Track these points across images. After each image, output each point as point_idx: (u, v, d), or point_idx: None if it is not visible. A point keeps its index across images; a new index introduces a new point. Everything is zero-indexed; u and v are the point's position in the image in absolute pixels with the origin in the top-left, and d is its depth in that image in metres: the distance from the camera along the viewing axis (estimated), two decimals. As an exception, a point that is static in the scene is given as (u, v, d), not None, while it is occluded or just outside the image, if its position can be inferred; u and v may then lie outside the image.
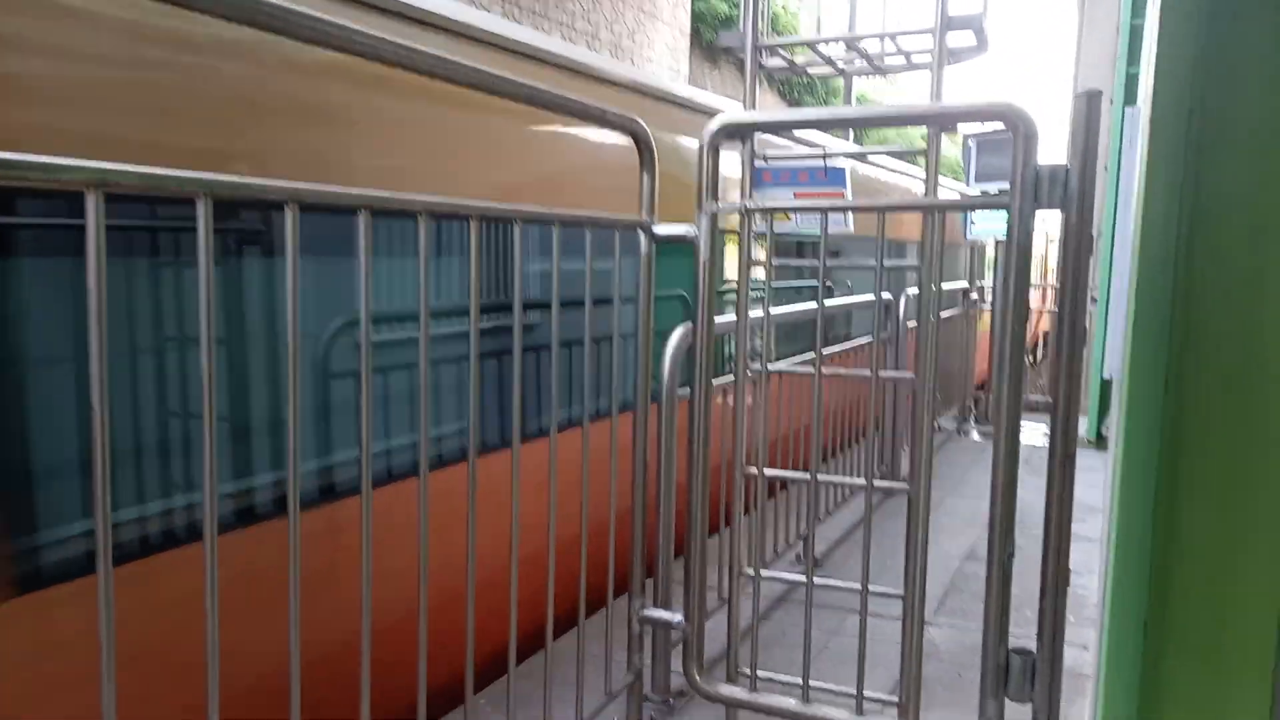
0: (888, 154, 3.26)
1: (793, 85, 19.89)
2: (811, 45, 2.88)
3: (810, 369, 2.53)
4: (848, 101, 10.36)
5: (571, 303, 3.30)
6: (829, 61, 2.95)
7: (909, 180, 8.53)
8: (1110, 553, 1.78)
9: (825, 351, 4.82)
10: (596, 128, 3.47)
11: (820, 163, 2.69)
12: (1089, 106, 2.09)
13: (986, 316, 9.04)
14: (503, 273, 3.29)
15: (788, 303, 5.41)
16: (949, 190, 9.78)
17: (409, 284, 2.90)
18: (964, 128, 4.36)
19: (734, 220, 3.75)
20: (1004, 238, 2.03)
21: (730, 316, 2.85)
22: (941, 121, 2.61)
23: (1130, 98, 6.07)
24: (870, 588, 2.47)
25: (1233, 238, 1.46)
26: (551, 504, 2.31)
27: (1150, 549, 1.57)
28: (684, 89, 4.22)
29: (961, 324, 7.64)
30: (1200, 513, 1.53)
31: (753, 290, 4.16)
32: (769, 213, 2.38)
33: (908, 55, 2.93)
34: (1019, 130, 2.10)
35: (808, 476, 2.57)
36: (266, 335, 2.50)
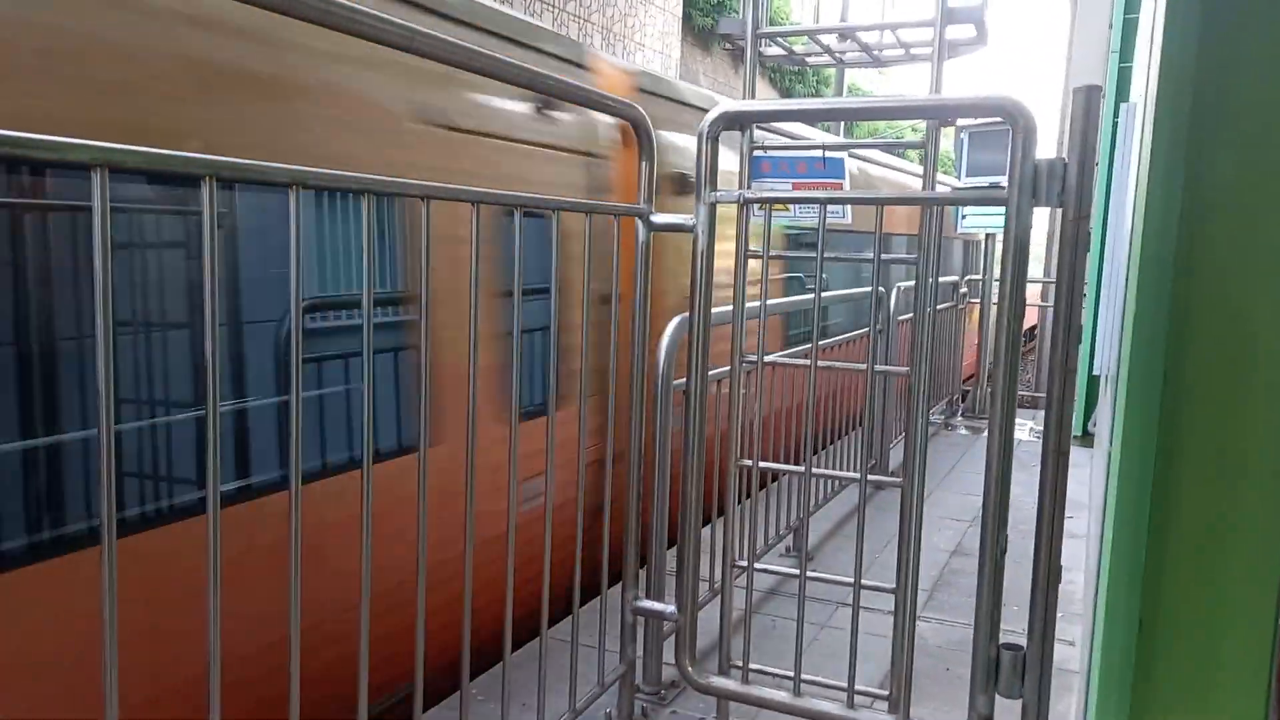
0: (882, 146, 3.25)
1: (783, 74, 19.83)
2: (811, 34, 2.86)
3: (803, 361, 2.53)
4: (839, 92, 10.34)
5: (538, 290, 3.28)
6: (828, 51, 2.94)
7: (897, 174, 8.53)
8: (1105, 549, 1.78)
9: (829, 342, 4.83)
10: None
11: (819, 153, 2.68)
12: (1088, 101, 2.08)
13: (975, 310, 9.07)
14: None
15: (773, 296, 5.40)
16: (940, 184, 9.79)
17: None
18: (957, 121, 4.36)
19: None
20: (995, 231, 2.03)
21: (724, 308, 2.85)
22: (941, 115, 2.60)
23: (1123, 93, 6.07)
24: (862, 581, 2.47)
25: (1233, 235, 1.46)
26: (548, 492, 2.30)
27: (1145, 546, 1.57)
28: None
29: (951, 318, 7.67)
30: (1196, 509, 1.53)
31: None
32: (767, 204, 2.37)
33: (907, 47, 2.91)
34: (1017, 125, 2.09)
35: (802, 470, 2.57)
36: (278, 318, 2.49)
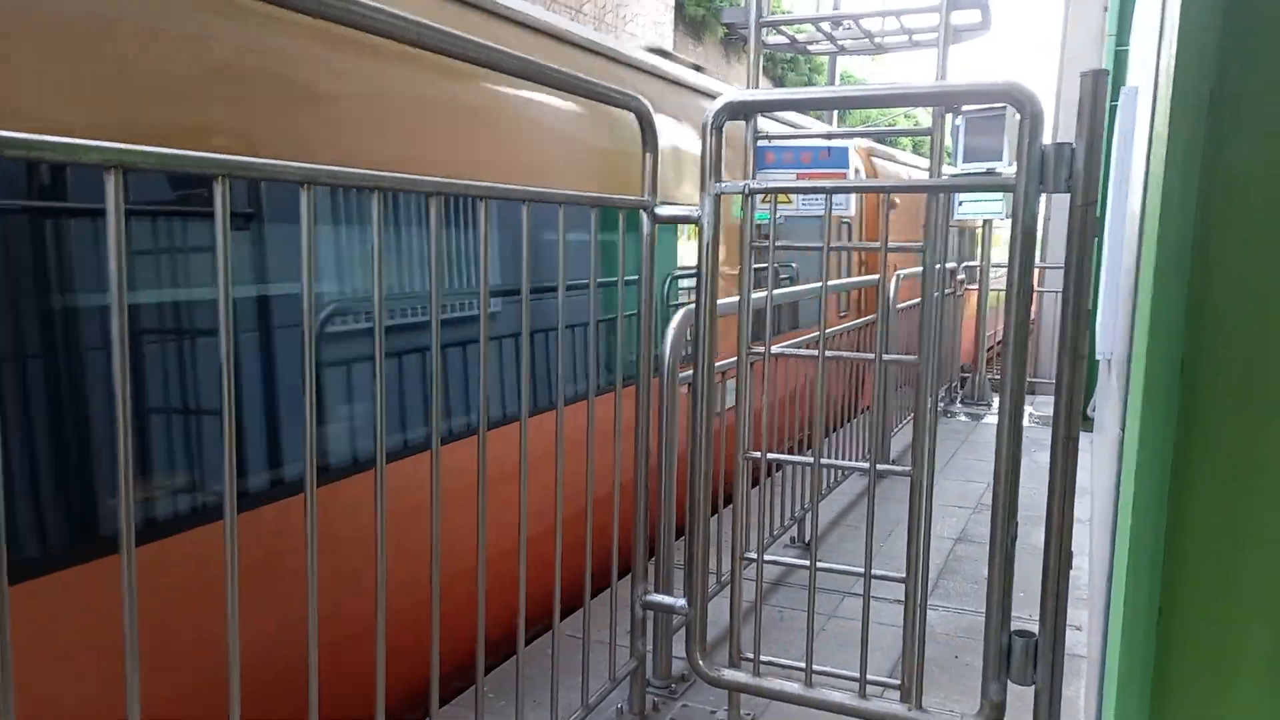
0: (887, 135, 3.23)
1: (776, 61, 19.78)
2: (814, 22, 2.84)
3: (810, 351, 2.52)
4: (832, 80, 10.32)
5: (574, 285, 3.27)
6: (830, 39, 2.92)
7: (893, 164, 8.51)
8: (1122, 538, 1.78)
9: (814, 335, 4.81)
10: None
11: (824, 143, 2.66)
12: (1095, 85, 2.07)
13: (972, 297, 9.06)
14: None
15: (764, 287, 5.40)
16: (920, 170, 9.77)
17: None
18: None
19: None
20: (993, 216, 2.02)
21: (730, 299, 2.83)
22: (947, 101, 2.58)
23: (1120, 76, 6.06)
24: (873, 571, 2.46)
25: (1251, 222, 1.45)
26: (558, 485, 2.29)
27: (1164, 534, 1.56)
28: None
29: (951, 304, 7.66)
30: (1215, 498, 1.52)
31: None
32: (772, 194, 2.35)
33: (910, 34, 2.89)
34: (1024, 110, 2.07)
35: (810, 460, 2.56)
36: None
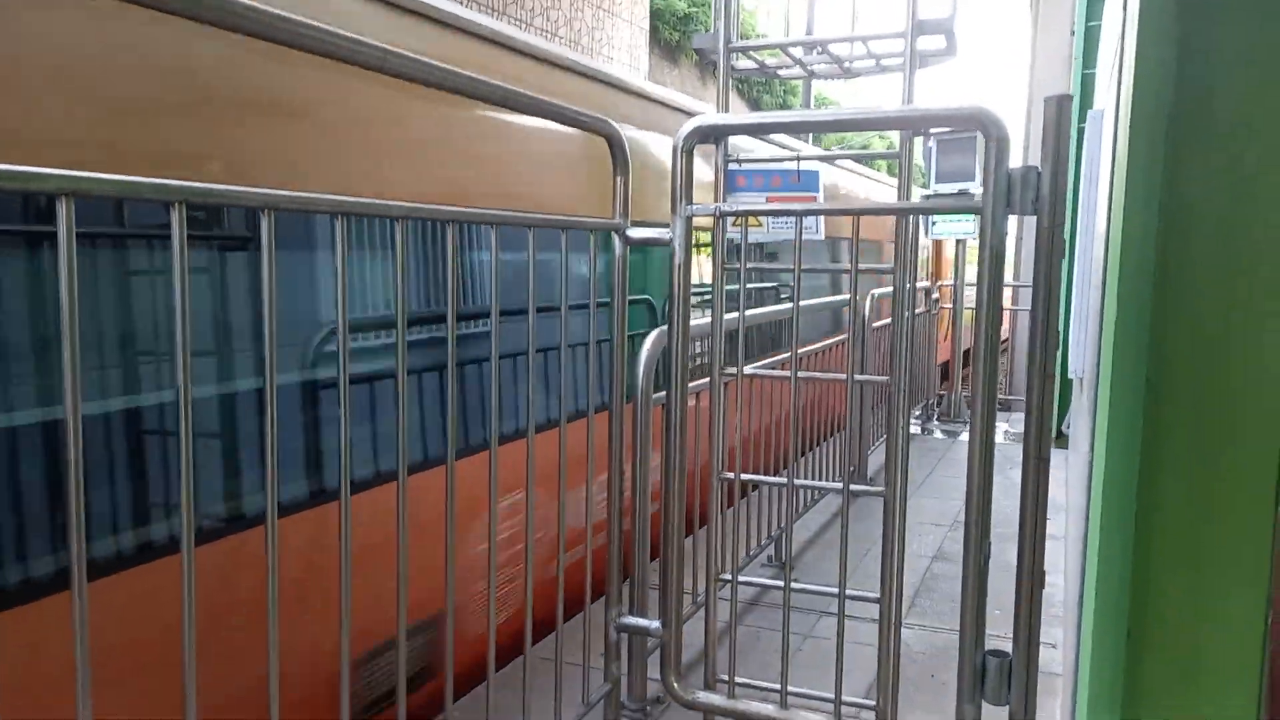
0: (858, 158, 3.26)
1: (751, 84, 19.95)
2: (783, 48, 2.87)
3: (783, 373, 2.53)
4: (807, 103, 10.41)
5: (545, 308, 3.27)
6: (799, 64, 2.95)
7: (864, 181, 8.58)
8: (1091, 556, 1.79)
9: (788, 355, 4.84)
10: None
11: (793, 166, 2.68)
12: (1059, 110, 2.10)
13: (944, 315, 9.14)
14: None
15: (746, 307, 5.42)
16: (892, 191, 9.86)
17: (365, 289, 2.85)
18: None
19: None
20: (964, 237, 2.04)
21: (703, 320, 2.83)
22: (914, 125, 2.61)
23: (1087, 99, 6.15)
24: (847, 591, 2.46)
25: (1212, 242, 1.47)
26: (529, 510, 2.28)
27: (1131, 552, 1.58)
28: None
29: (925, 323, 7.72)
30: (1182, 515, 1.53)
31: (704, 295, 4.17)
32: (742, 217, 2.36)
33: (878, 58, 2.93)
34: (990, 134, 2.10)
35: (784, 481, 2.56)
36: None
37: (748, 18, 20.74)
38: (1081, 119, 5.70)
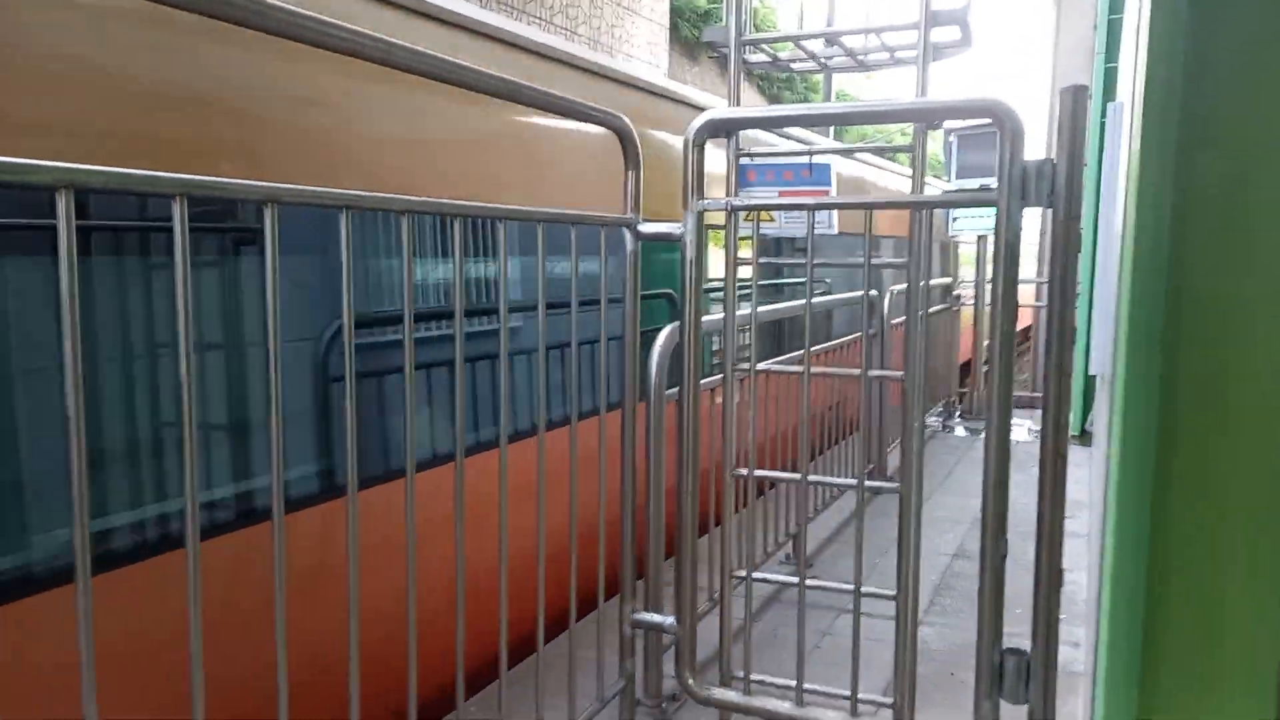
0: (872, 150, 3.23)
1: (772, 81, 19.88)
2: (795, 40, 2.85)
3: (797, 368, 2.51)
4: (827, 98, 10.37)
5: (556, 304, 3.27)
6: (812, 56, 2.92)
7: (887, 176, 8.53)
8: (1107, 553, 1.76)
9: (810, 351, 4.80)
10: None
11: (805, 160, 2.66)
12: (1075, 101, 2.07)
13: (967, 312, 9.06)
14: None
15: (769, 303, 5.39)
16: (929, 186, 9.79)
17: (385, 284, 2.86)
18: (945, 123, 4.35)
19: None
20: (986, 233, 2.02)
21: (716, 315, 2.82)
22: (927, 118, 2.59)
23: (1109, 92, 6.08)
24: (863, 588, 2.45)
25: (1224, 235, 1.45)
26: (540, 505, 2.28)
27: (1147, 547, 1.55)
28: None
29: (945, 320, 7.65)
30: (1197, 511, 1.51)
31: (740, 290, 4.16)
32: (754, 211, 2.35)
33: (892, 51, 2.90)
34: (1005, 127, 2.08)
35: (798, 477, 2.55)
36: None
37: (768, 14, 20.66)
38: (1103, 113, 5.64)
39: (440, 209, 1.78)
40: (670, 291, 4.38)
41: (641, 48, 14.28)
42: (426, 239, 2.97)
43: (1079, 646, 3.62)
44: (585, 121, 2.37)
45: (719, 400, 3.46)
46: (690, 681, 2.50)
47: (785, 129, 5.18)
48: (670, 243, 2.34)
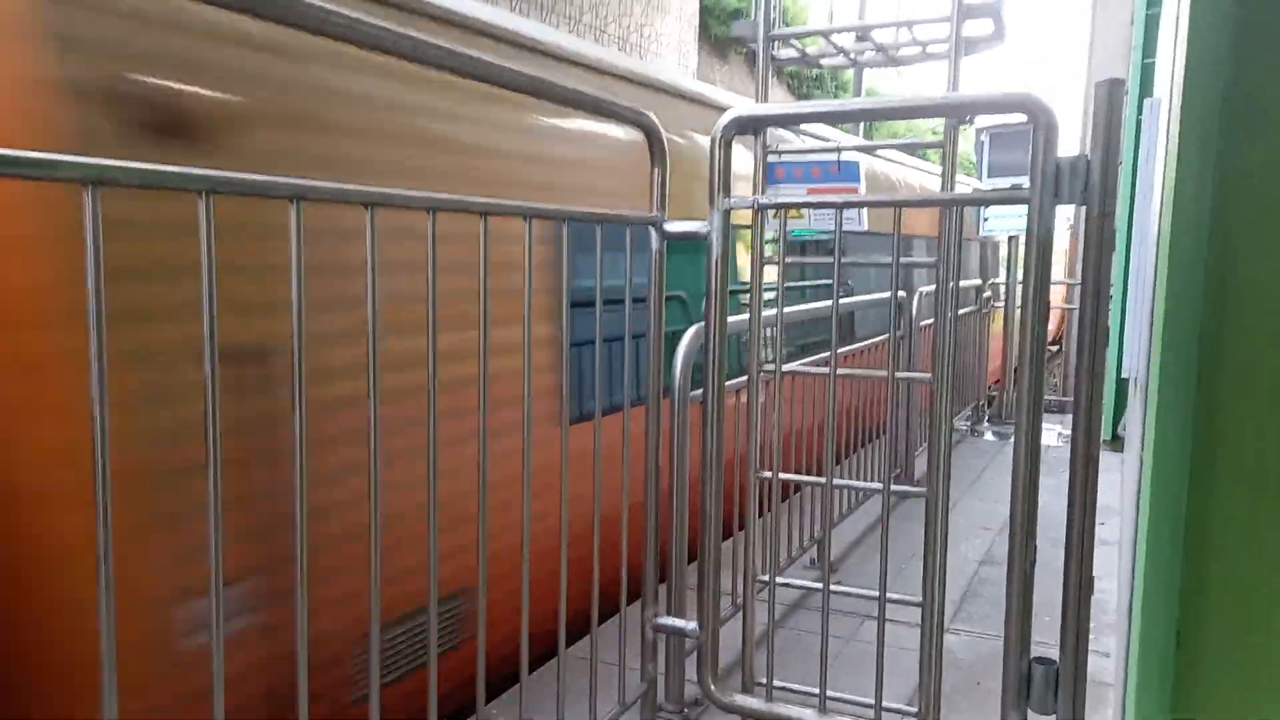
0: (901, 148, 3.19)
1: (802, 80, 19.80)
2: (825, 35, 2.81)
3: (823, 369, 2.47)
4: (858, 94, 10.28)
5: (580, 303, 3.25)
6: (842, 52, 2.88)
7: (918, 174, 8.43)
8: (1140, 560, 1.72)
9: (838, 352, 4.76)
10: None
11: (834, 157, 2.62)
12: (1110, 95, 2.02)
13: (999, 314, 8.94)
14: None
15: (797, 304, 5.34)
16: (961, 185, 9.68)
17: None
18: (977, 121, 4.28)
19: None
20: (1019, 233, 1.97)
21: (739, 316, 2.79)
22: (959, 113, 2.54)
23: (1146, 88, 5.97)
24: (888, 595, 2.41)
25: (1266, 236, 1.40)
26: (563, 506, 2.26)
27: (1181, 555, 1.51)
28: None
29: (975, 322, 7.55)
30: (1232, 517, 1.46)
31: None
32: (782, 209, 2.32)
33: (923, 45, 2.85)
34: (1039, 122, 2.03)
35: (822, 481, 2.51)
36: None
37: (799, 12, 20.56)
38: (1139, 110, 5.54)
39: (463, 206, 1.76)
40: (680, 294, 4.35)
41: (670, 46, 14.25)
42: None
43: (1109, 656, 3.54)
44: (612, 119, 2.35)
45: (744, 401, 3.43)
46: (712, 687, 2.47)
47: (813, 131, 5.13)
48: (696, 240, 2.31)
